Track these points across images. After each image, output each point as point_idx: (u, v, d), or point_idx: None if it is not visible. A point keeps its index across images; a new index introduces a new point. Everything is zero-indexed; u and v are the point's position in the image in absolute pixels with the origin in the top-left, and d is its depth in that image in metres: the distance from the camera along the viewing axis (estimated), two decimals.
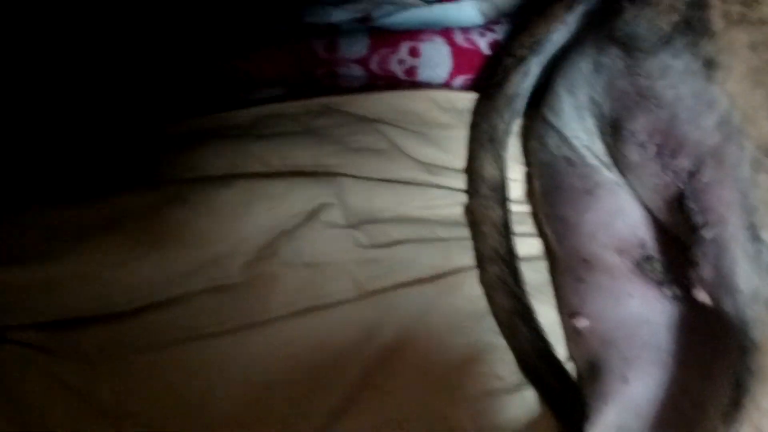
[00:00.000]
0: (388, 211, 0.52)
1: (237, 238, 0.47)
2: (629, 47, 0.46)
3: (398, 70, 0.62)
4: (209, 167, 0.50)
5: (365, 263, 0.49)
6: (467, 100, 0.59)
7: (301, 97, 0.57)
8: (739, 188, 0.39)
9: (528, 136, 0.58)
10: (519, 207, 0.58)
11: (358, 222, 0.51)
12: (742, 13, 0.42)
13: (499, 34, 0.64)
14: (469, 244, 0.54)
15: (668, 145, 0.43)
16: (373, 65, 0.61)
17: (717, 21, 0.42)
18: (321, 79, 0.60)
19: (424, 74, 0.62)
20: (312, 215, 0.49)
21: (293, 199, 0.49)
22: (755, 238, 0.38)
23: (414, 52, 0.62)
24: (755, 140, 0.39)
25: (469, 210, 0.55)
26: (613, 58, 0.47)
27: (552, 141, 0.53)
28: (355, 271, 0.48)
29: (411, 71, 0.62)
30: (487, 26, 0.65)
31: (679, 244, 0.45)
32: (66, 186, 0.49)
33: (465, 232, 0.55)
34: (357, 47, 0.61)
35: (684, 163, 0.42)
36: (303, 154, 0.52)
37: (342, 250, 0.48)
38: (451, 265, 0.52)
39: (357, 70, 0.61)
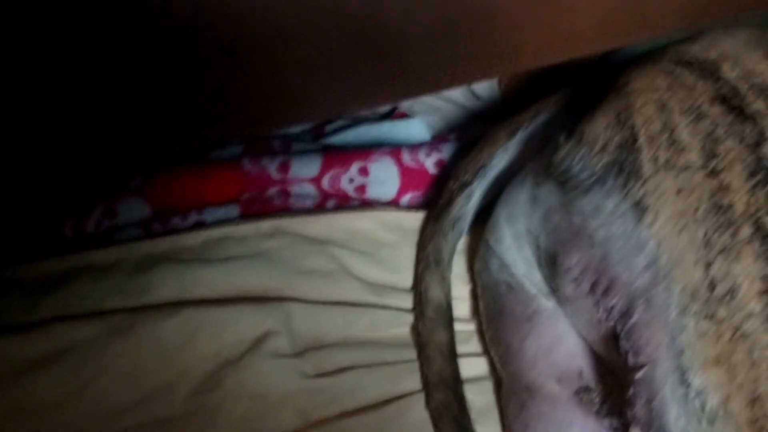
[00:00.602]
0: (334, 334, 0.53)
1: (181, 369, 0.47)
2: (564, 184, 0.48)
3: (349, 189, 0.64)
4: (158, 293, 0.51)
5: (310, 393, 0.49)
6: (414, 219, 0.61)
7: (251, 218, 0.58)
8: (668, 331, 0.41)
9: (473, 257, 0.60)
10: (465, 326, 0.59)
11: (304, 348, 0.51)
12: (669, 158, 0.45)
13: (445, 153, 0.67)
14: (416, 366, 0.55)
15: (601, 284, 0.45)
16: (325, 184, 0.63)
17: (646, 165, 0.45)
18: (273, 199, 0.61)
19: (373, 192, 0.64)
20: (257, 343, 0.49)
21: (239, 327, 0.50)
22: (683, 380, 0.40)
23: (364, 172, 0.64)
24: (681, 284, 0.41)
25: (416, 331, 0.56)
26: (549, 192, 0.49)
27: (494, 265, 0.55)
28: (300, 401, 0.48)
29: (361, 189, 0.64)
30: (434, 145, 0.68)
31: (616, 378, 0.46)
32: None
33: (412, 353, 0.56)
34: (309, 167, 0.63)
35: (616, 302, 0.43)
36: (251, 279, 0.53)
37: (287, 380, 0.48)
38: (398, 390, 0.52)
39: (309, 189, 0.63)
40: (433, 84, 0.41)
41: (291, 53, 0.33)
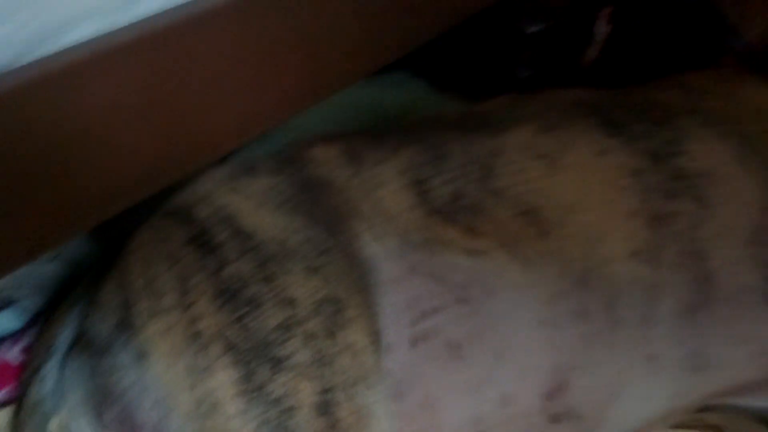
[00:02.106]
0: None
1: None
2: (88, 349, 0.54)
3: None
4: None
5: None
6: (3, 416, 0.63)
7: None
8: None
9: None
10: None
11: None
12: (153, 306, 0.52)
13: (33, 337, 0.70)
14: None
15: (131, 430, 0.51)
16: None
17: (138, 318, 0.52)
18: None
19: None
20: None
21: None
22: None
23: None
24: (178, 411, 0.48)
25: None
26: (82, 361, 0.55)
27: None
28: None
29: None
30: (22, 332, 0.70)
31: None
32: None
33: None
34: None
35: None
36: None
37: None
38: None
39: None
40: None
41: None
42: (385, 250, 0.61)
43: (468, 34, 1.21)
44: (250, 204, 0.59)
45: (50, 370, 0.63)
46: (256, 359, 0.49)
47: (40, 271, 0.81)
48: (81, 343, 0.56)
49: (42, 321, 0.72)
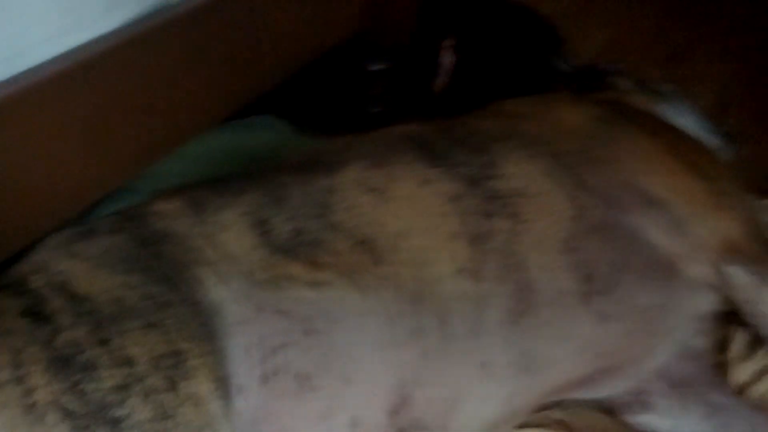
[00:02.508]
0: None
1: None
2: None
3: None
4: None
5: None
6: None
7: None
8: None
9: None
10: None
11: None
12: None
13: None
14: None
15: None
16: None
17: None
18: None
19: None
20: None
21: None
22: None
23: None
24: None
25: None
26: None
27: None
28: None
29: None
30: None
31: None
32: None
33: None
34: None
35: None
36: None
37: None
38: None
39: None
40: None
41: None
42: (231, 292, 0.64)
43: (320, 75, 1.26)
44: (86, 267, 0.60)
45: None
46: (95, 422, 0.50)
47: None
48: None
49: None
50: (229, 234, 0.67)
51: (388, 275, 0.67)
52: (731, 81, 1.54)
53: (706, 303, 0.83)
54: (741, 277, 0.77)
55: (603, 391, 0.80)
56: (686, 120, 1.08)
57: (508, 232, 0.71)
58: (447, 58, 1.36)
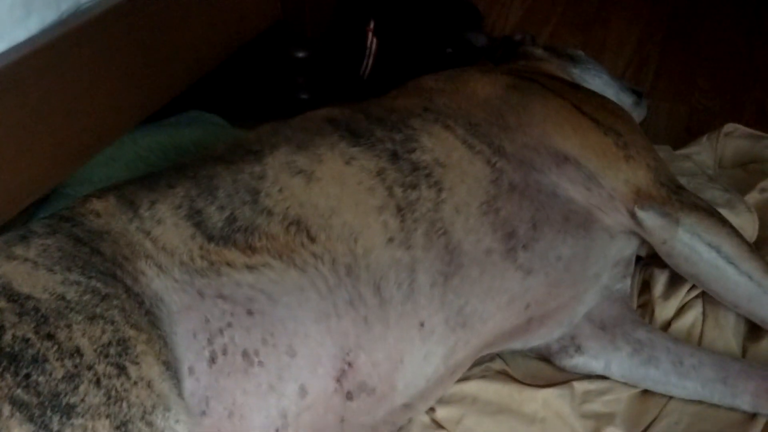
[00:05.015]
0: None
1: None
2: None
3: None
4: None
5: None
6: None
7: None
8: None
9: None
10: None
11: None
12: None
13: None
14: None
15: None
16: None
17: None
18: None
19: None
20: None
21: None
22: None
23: None
24: None
25: None
26: None
27: None
28: None
29: None
30: None
31: None
32: None
33: None
34: None
35: None
36: None
37: None
38: None
39: None
40: None
41: None
42: (171, 282, 0.67)
43: (246, 66, 1.28)
44: (26, 268, 0.62)
45: None
46: (49, 410, 0.53)
47: None
48: None
49: None
50: (165, 226, 0.70)
51: (323, 251, 0.71)
52: (646, 43, 1.62)
53: (626, 249, 0.89)
54: (653, 220, 0.83)
55: (538, 339, 0.85)
56: (599, 81, 1.14)
57: (433, 201, 0.75)
58: (370, 41, 1.39)
